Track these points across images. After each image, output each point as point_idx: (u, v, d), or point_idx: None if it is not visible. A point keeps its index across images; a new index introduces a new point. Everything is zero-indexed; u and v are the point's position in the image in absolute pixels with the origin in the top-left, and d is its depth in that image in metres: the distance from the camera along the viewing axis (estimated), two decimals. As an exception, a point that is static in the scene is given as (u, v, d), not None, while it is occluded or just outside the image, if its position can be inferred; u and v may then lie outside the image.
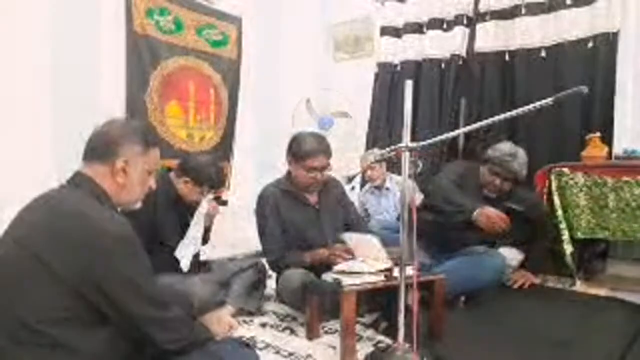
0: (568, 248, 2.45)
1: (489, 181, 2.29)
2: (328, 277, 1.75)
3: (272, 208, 2.07)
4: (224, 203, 3.46)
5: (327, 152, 2.05)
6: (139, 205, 1.23)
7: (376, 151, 3.15)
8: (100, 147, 1.12)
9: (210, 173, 2.04)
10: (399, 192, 2.90)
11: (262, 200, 2.11)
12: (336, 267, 1.77)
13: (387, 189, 3.06)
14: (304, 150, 2.01)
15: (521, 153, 2.28)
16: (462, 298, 2.16)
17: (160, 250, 1.93)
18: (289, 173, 2.16)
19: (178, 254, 2.00)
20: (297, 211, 2.10)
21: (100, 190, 1.10)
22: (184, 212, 2.09)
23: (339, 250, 1.91)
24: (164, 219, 2.00)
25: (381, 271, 1.69)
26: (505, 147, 2.29)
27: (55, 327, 0.94)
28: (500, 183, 2.26)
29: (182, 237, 2.05)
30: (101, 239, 0.98)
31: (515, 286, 2.38)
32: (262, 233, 2.11)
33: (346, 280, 1.63)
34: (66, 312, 0.95)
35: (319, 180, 2.06)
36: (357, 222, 2.27)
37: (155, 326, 1.04)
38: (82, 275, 0.95)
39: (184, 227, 2.08)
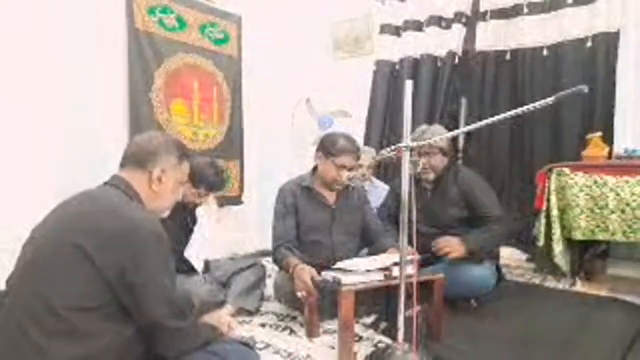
0: (557, 248, 2.45)
1: (416, 166, 2.19)
2: (328, 275, 1.75)
3: (288, 203, 2.14)
4: (240, 203, 3.53)
5: (357, 153, 2.13)
6: (167, 214, 1.30)
7: (369, 150, 3.07)
8: (140, 155, 1.20)
9: (209, 175, 2.04)
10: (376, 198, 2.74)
11: (282, 195, 2.19)
12: (336, 265, 1.77)
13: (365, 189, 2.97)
14: (337, 148, 2.07)
15: (434, 127, 2.29)
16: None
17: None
18: (314, 170, 2.22)
19: (189, 254, 2.04)
20: (313, 209, 2.15)
21: (136, 194, 1.16)
22: (182, 212, 2.08)
23: (309, 289, 1.79)
24: (161, 218, 1.99)
25: (380, 270, 1.68)
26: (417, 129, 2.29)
27: (78, 315, 0.96)
28: (424, 159, 2.20)
29: (181, 237, 2.05)
30: (136, 233, 1.02)
31: (441, 254, 2.02)
32: (274, 222, 2.17)
33: (345, 279, 1.63)
34: (94, 302, 0.97)
35: (345, 180, 2.10)
36: (374, 228, 2.27)
37: (170, 335, 1.05)
38: (116, 266, 0.98)
39: (181, 227, 2.07)
